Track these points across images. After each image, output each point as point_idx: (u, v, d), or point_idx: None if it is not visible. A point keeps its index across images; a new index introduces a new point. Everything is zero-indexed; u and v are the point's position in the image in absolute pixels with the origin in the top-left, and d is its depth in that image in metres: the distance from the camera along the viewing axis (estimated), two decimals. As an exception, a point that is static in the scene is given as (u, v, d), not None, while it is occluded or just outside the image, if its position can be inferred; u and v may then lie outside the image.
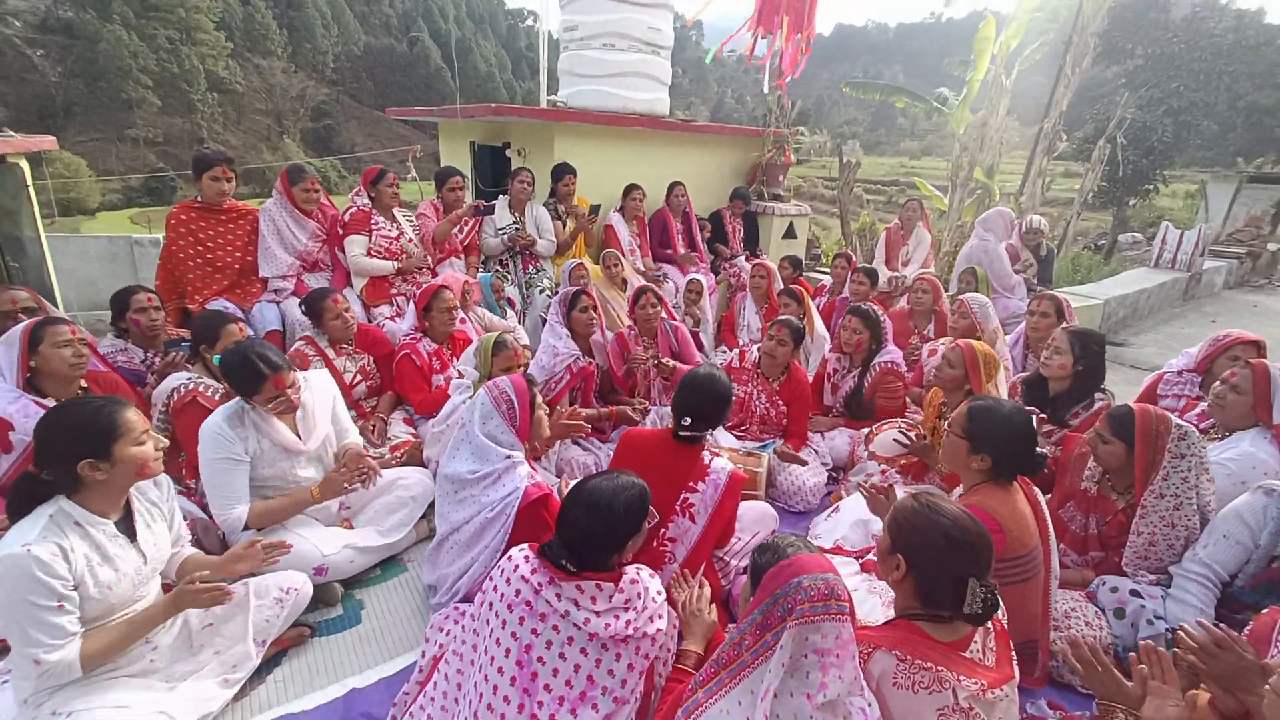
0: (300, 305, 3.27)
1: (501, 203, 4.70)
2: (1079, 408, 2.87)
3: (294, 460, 2.26)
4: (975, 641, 1.37)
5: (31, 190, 4.11)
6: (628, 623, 1.43)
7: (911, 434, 2.77)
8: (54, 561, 1.50)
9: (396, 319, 3.87)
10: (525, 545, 1.55)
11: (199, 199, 3.55)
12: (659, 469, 2.08)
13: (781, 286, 4.57)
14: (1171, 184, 17.58)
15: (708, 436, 2.29)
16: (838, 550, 2.47)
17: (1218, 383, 2.52)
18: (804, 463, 3.05)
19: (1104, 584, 2.13)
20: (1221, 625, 1.41)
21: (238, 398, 2.20)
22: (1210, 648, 1.37)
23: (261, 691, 1.93)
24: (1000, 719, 1.33)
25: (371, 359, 3.38)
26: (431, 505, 2.66)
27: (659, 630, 1.49)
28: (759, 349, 3.30)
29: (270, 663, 2.01)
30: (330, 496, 2.27)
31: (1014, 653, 1.44)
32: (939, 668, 1.29)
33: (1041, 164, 9.00)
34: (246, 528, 2.14)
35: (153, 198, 39.32)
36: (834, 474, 3.26)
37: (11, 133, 3.84)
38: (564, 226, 4.95)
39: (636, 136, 5.53)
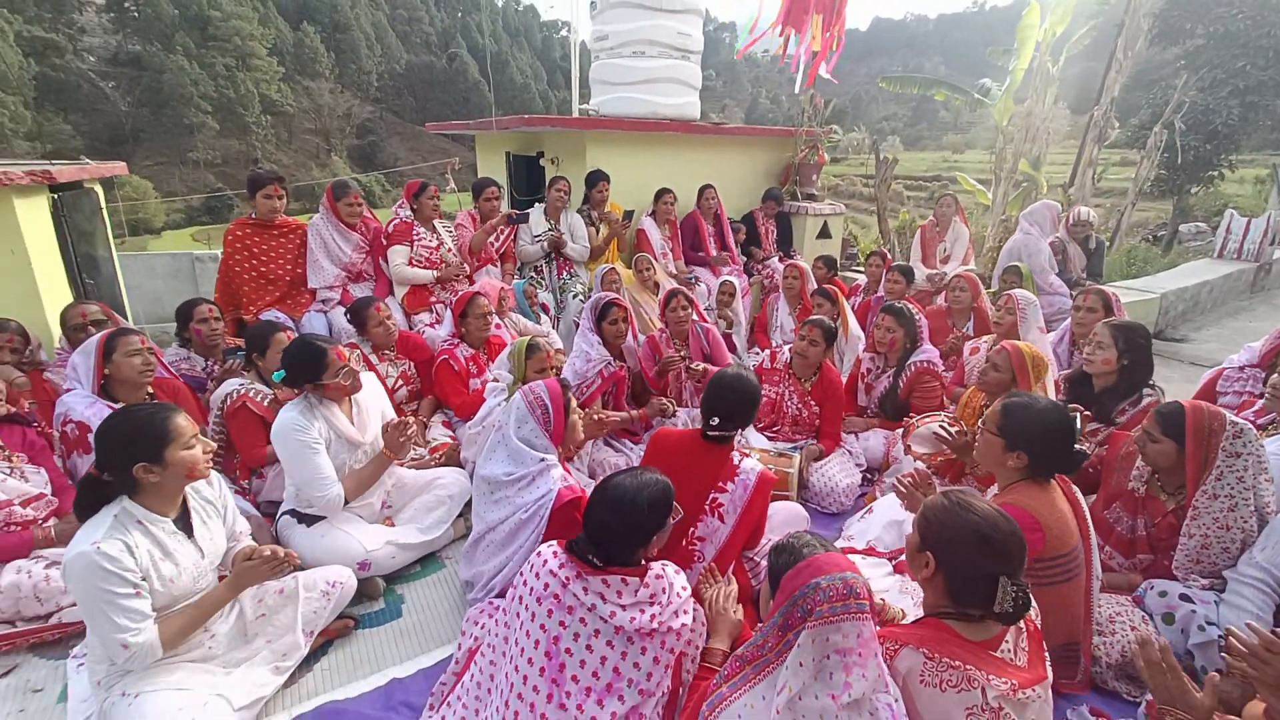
0: (345, 314, 3.43)
1: (537, 210, 4.81)
2: (1126, 404, 2.76)
3: (354, 454, 2.41)
4: (1006, 641, 1.35)
5: (105, 213, 4.44)
6: (653, 617, 1.46)
7: (954, 429, 2.69)
8: (122, 556, 1.62)
9: (436, 325, 4.01)
10: (554, 541, 1.60)
11: (254, 216, 3.77)
12: (688, 468, 2.10)
13: (815, 287, 4.53)
14: (1239, 169, 16.51)
15: (739, 437, 2.30)
16: (871, 551, 2.44)
17: (1275, 375, 2.39)
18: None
19: (1152, 588, 2.04)
20: (1278, 630, 1.34)
21: (301, 395, 2.35)
22: (1261, 653, 1.31)
23: (309, 679, 2.04)
24: (1033, 720, 1.30)
25: (412, 364, 3.51)
26: (468, 504, 2.75)
27: (684, 625, 1.51)
28: (790, 349, 3.29)
29: (317, 652, 2.11)
30: (395, 446, 2.43)
31: (1048, 654, 1.41)
32: (967, 666, 1.28)
33: (1092, 153, 8.63)
34: (346, 503, 2.33)
35: (212, 216, 41.55)
36: (868, 475, 3.21)
37: (88, 160, 4.15)
38: (598, 233, 5.03)
39: (668, 141, 5.57)
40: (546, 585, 1.48)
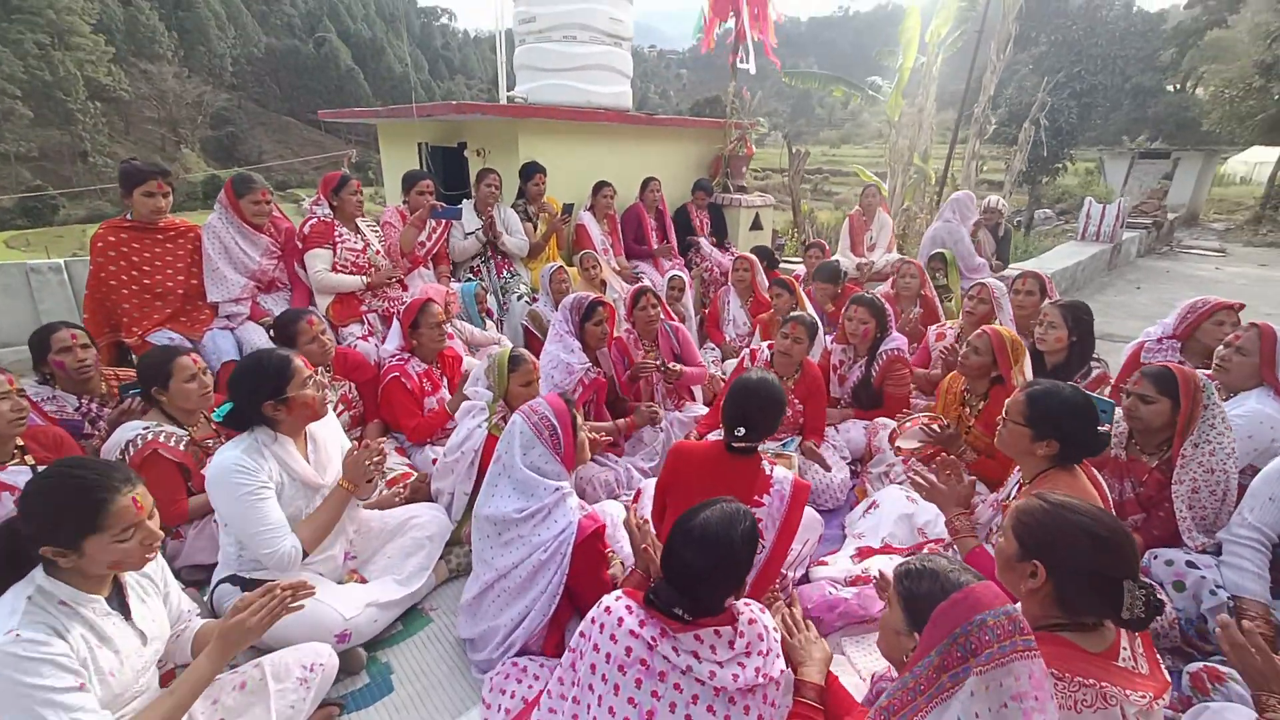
0: (269, 331, 2.90)
1: (468, 205, 4.40)
2: (1078, 378, 2.95)
3: (311, 500, 2.00)
4: (1124, 648, 1.30)
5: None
6: (756, 669, 1.27)
7: (936, 426, 2.71)
8: (52, 640, 1.23)
9: (369, 339, 3.53)
10: (621, 593, 1.36)
11: (129, 217, 3.10)
12: (717, 484, 1.92)
13: (764, 278, 4.51)
14: (1077, 162, 18.93)
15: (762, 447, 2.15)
16: (888, 549, 2.40)
17: (1220, 346, 2.60)
18: (828, 467, 2.96)
19: (1156, 557, 2.14)
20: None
21: (248, 433, 1.92)
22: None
23: (293, 789, 1.65)
24: (1157, 728, 1.26)
25: (353, 385, 3.05)
26: (448, 545, 2.41)
27: (782, 671, 1.34)
28: (770, 348, 3.19)
29: (296, 753, 1.72)
30: (360, 479, 2.04)
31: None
32: (1102, 684, 1.20)
33: (974, 147, 9.43)
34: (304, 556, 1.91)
35: (31, 219, 35.20)
36: (853, 467, 3.20)
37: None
38: (535, 228, 4.70)
39: (602, 132, 5.32)
40: (629, 650, 1.25)
